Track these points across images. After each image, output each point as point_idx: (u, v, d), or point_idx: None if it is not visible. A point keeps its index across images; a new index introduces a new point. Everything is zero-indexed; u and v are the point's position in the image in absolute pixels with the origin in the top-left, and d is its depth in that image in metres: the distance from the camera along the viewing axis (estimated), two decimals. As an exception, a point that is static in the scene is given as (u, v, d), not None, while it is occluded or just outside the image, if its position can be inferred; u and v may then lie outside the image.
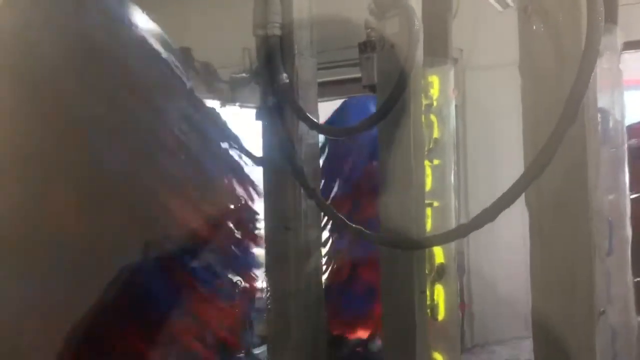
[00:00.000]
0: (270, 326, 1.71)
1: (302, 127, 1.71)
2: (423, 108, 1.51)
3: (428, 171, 1.54)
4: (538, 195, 1.25)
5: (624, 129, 1.31)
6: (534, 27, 1.28)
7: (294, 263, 1.69)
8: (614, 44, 1.31)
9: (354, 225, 1.50)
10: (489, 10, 2.27)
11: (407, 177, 1.49)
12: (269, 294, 1.73)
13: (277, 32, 1.70)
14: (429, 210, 1.53)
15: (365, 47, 2.97)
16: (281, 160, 1.69)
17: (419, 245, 1.45)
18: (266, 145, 1.76)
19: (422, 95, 1.50)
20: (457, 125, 1.84)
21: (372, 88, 3.21)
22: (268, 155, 1.75)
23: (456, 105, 1.93)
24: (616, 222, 1.24)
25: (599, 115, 1.24)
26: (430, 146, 1.55)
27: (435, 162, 1.55)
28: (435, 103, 1.57)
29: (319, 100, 1.89)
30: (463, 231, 1.51)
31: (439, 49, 1.59)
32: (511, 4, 2.38)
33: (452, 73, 1.60)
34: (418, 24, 1.43)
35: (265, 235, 1.75)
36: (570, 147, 1.19)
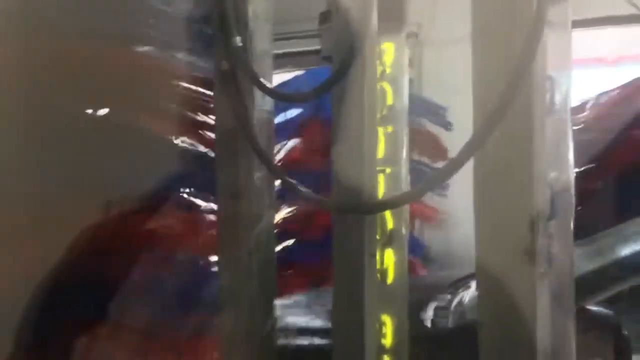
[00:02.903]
0: (222, 293, 1.71)
1: (257, 93, 1.70)
2: (377, 75, 1.52)
3: (381, 138, 1.56)
4: (484, 160, 1.28)
5: (569, 101, 1.35)
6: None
7: (245, 231, 1.69)
8: (564, 18, 1.33)
9: (305, 190, 1.51)
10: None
11: (359, 143, 1.51)
12: (220, 263, 1.73)
13: (232, -5, 1.67)
14: (381, 177, 1.55)
15: (326, 17, 2.96)
16: (234, 126, 1.68)
17: (371, 210, 1.47)
18: (219, 110, 1.74)
19: (377, 62, 1.52)
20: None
21: (330, 60, 3.21)
22: (221, 121, 1.74)
23: (411, 79, 1.95)
24: (559, 189, 1.28)
25: (547, 84, 1.27)
26: (384, 113, 1.57)
27: (389, 129, 1.57)
28: (389, 70, 1.58)
29: (277, 71, 1.88)
30: (412, 195, 1.55)
31: (394, 17, 1.59)
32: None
33: (405, 41, 1.60)
34: (373, -11, 1.43)
35: (218, 204, 1.75)
36: (517, 113, 1.23)
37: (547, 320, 1.18)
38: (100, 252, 1.85)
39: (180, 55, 2.14)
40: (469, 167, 1.26)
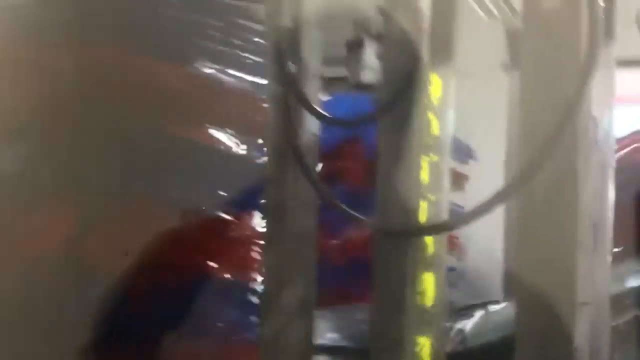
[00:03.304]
0: (262, 316, 1.77)
1: (306, 116, 1.78)
2: (425, 104, 1.59)
3: (425, 166, 1.63)
4: (529, 194, 1.34)
5: (613, 138, 1.41)
6: (533, 34, 1.37)
7: (289, 249, 1.75)
8: (609, 58, 1.41)
9: (351, 212, 1.58)
10: (473, 18, 2.37)
11: (406, 170, 1.58)
12: (263, 278, 1.79)
13: (288, 23, 1.77)
14: (424, 203, 1.61)
15: (353, 45, 3.05)
16: (284, 145, 1.76)
17: (416, 233, 1.54)
18: (271, 132, 1.82)
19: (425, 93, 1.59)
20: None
21: (357, 86, 3.28)
22: (271, 142, 1.82)
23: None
24: (600, 224, 1.34)
25: (591, 123, 1.34)
26: (429, 142, 1.63)
27: (433, 158, 1.63)
28: (435, 102, 1.65)
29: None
30: (456, 223, 1.62)
31: (441, 50, 1.67)
32: (497, 14, 2.49)
33: (453, 73, 1.68)
34: (427, 23, 1.51)
35: (266, 221, 1.82)
36: (563, 151, 1.29)
37: (585, 342, 1.24)
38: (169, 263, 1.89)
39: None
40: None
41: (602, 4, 1.28)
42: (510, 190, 1.30)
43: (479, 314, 2.10)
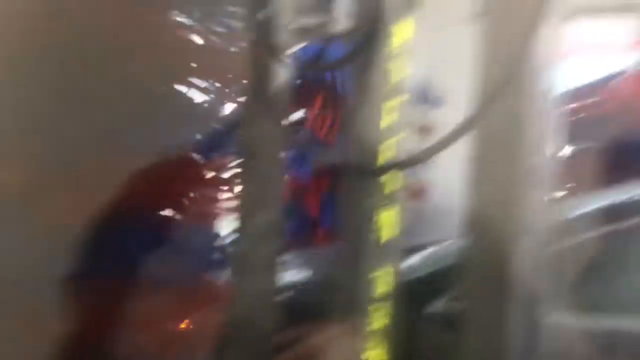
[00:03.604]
0: (235, 242, 1.89)
1: (277, 63, 1.86)
2: (388, 52, 1.69)
3: (388, 110, 1.73)
4: (479, 136, 1.46)
5: (556, 90, 1.52)
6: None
7: (259, 191, 1.87)
8: (557, 7, 1.50)
9: (315, 153, 1.70)
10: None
11: (369, 113, 1.69)
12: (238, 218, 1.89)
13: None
14: (385, 145, 1.72)
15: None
16: (256, 92, 1.85)
17: (378, 172, 1.66)
18: (243, 78, 1.91)
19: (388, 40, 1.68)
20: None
21: (328, 37, 3.31)
22: (244, 87, 1.91)
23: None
24: (540, 164, 1.47)
25: (537, 72, 1.45)
26: (391, 87, 1.74)
27: (395, 101, 1.74)
28: (399, 49, 1.75)
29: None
30: (413, 161, 1.74)
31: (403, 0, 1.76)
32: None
33: (415, 22, 1.77)
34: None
35: (239, 162, 1.93)
36: (511, 97, 1.41)
37: (523, 268, 1.38)
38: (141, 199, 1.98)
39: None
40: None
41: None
42: (461, 131, 1.41)
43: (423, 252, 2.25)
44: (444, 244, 2.30)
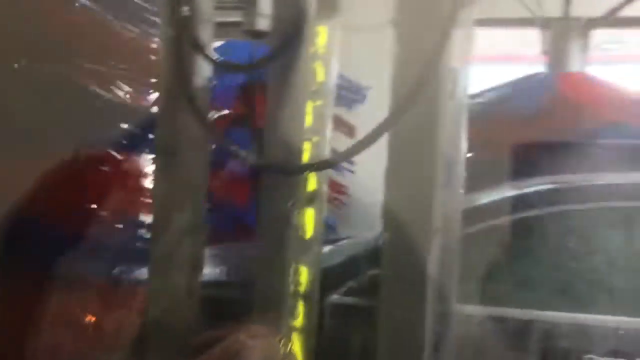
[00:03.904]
0: (153, 240, 1.87)
1: (198, 59, 1.85)
2: (311, 53, 1.72)
3: (310, 110, 1.77)
4: (396, 135, 1.53)
5: (467, 91, 1.62)
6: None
7: (180, 187, 1.85)
8: (468, 18, 1.60)
9: (238, 151, 1.70)
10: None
11: (291, 113, 1.71)
12: (153, 216, 1.87)
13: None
14: (307, 144, 1.76)
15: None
16: (176, 89, 1.83)
17: (298, 171, 1.69)
18: (163, 73, 1.88)
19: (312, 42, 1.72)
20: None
21: (251, 33, 3.34)
22: (163, 83, 1.88)
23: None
24: (453, 162, 1.56)
25: (450, 76, 1.53)
26: (314, 88, 1.77)
27: (317, 102, 1.78)
28: (321, 51, 1.79)
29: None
30: (333, 161, 1.79)
31: (327, 2, 1.80)
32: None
33: (338, 25, 1.82)
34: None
35: (155, 159, 1.90)
36: (426, 99, 1.48)
37: (436, 262, 1.46)
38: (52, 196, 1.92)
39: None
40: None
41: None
42: (379, 133, 1.47)
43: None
44: (343, 241, 2.37)
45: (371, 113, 3.25)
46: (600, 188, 2.10)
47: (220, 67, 1.92)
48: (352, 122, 3.27)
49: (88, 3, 2.19)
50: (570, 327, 1.95)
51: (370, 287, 1.91)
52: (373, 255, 1.93)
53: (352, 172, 3.06)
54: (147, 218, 2.11)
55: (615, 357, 1.88)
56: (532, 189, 2.16)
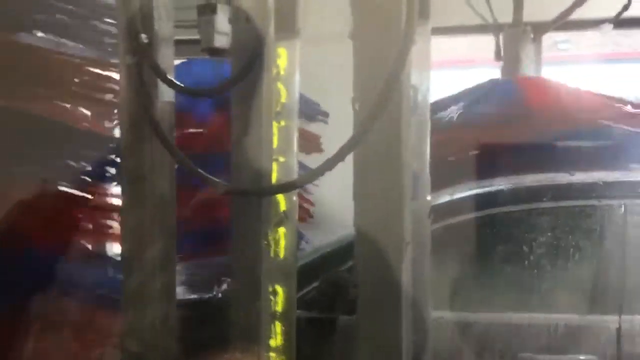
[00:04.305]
0: (125, 272, 1.84)
1: (160, 84, 1.85)
2: (273, 75, 1.74)
3: (275, 131, 1.78)
4: (362, 150, 1.55)
5: (428, 102, 1.66)
6: (362, 10, 1.56)
7: (149, 211, 1.83)
8: (425, 33, 1.64)
9: (207, 176, 1.70)
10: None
11: (257, 135, 1.72)
12: (123, 245, 1.85)
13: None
14: (275, 165, 1.77)
15: (205, 9, 3.10)
16: (139, 115, 1.82)
17: (267, 193, 1.69)
18: (124, 100, 1.86)
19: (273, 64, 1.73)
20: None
21: (210, 51, 3.34)
22: (126, 110, 1.86)
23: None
24: (419, 174, 1.59)
25: (411, 91, 1.57)
26: (278, 109, 1.79)
27: (282, 123, 1.79)
28: (282, 72, 1.80)
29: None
30: (302, 181, 1.80)
31: (289, 24, 1.82)
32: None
33: (298, 45, 1.84)
34: (271, 1, 1.65)
35: (122, 188, 1.88)
36: (389, 115, 1.51)
37: (409, 274, 1.49)
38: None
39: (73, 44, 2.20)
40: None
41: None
42: (346, 151, 1.49)
43: None
44: None
45: (333, 128, 3.29)
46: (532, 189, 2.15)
47: (183, 92, 1.91)
48: (315, 137, 3.30)
49: (42, 34, 2.16)
50: (505, 327, 1.99)
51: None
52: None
53: (316, 185, 3.08)
54: (117, 249, 2.08)
55: (549, 353, 1.94)
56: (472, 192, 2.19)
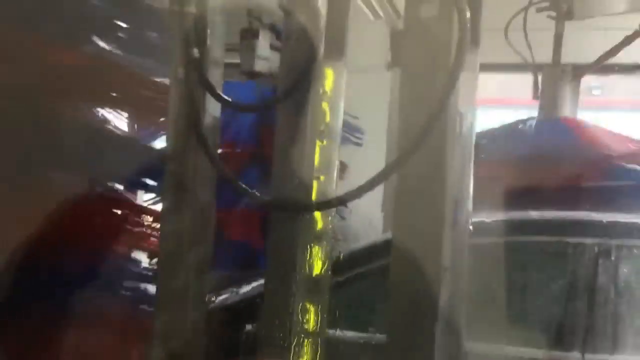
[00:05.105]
0: (161, 275, 1.86)
1: (208, 99, 1.90)
2: (319, 94, 1.77)
3: (317, 150, 1.81)
4: (405, 175, 1.57)
5: (473, 132, 1.67)
6: (412, 37, 1.59)
7: (189, 221, 1.87)
8: (474, 61, 1.66)
9: (247, 189, 1.73)
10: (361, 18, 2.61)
11: (300, 152, 1.75)
12: (161, 252, 1.88)
13: (192, 9, 1.87)
14: (315, 183, 1.79)
15: (247, 33, 3.18)
16: (185, 127, 1.86)
17: (307, 209, 1.71)
18: (172, 112, 1.91)
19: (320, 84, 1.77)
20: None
21: (249, 74, 3.41)
22: (173, 122, 1.91)
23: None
24: (461, 199, 1.59)
25: (457, 118, 1.58)
26: (321, 128, 1.82)
27: (324, 142, 1.82)
28: (328, 92, 1.84)
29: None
30: (342, 200, 1.82)
31: (337, 45, 1.86)
32: (382, 15, 2.74)
33: (345, 68, 1.87)
34: (323, 21, 1.70)
35: (164, 194, 1.92)
36: (434, 140, 1.53)
37: (446, 300, 1.48)
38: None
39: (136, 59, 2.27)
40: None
41: (469, 15, 1.52)
42: (387, 173, 1.51)
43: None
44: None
45: (369, 152, 3.31)
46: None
47: (230, 107, 1.95)
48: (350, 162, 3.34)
49: (98, 42, 2.24)
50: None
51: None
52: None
53: (344, 219, 3.08)
54: (151, 255, 2.11)
55: None
56: None
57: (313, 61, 1.71)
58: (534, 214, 2.18)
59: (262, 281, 2.05)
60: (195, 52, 1.86)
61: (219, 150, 2.95)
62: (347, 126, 3.45)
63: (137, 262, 2.12)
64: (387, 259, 1.55)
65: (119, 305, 1.98)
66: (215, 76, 1.94)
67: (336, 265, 1.85)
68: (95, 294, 1.93)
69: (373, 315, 2.03)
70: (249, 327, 2.06)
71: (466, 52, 1.48)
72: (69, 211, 1.98)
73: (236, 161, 2.92)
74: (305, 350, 1.75)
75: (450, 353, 1.51)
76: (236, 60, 2.96)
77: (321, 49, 1.74)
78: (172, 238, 1.84)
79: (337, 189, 1.81)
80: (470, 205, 1.61)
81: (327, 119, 1.84)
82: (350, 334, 2.06)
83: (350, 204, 2.67)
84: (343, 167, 3.49)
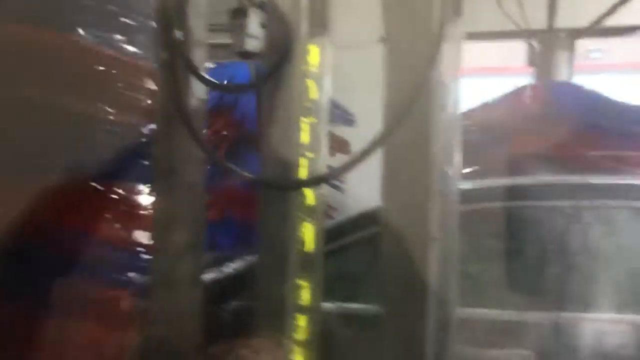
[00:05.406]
0: (154, 257, 1.88)
1: (193, 81, 1.89)
2: (303, 72, 1.76)
3: (304, 127, 1.80)
4: (391, 148, 1.56)
5: (459, 105, 1.66)
6: (394, 11, 1.58)
7: (179, 201, 1.87)
8: (456, 33, 1.64)
9: (235, 168, 1.73)
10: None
11: (287, 130, 1.74)
12: (153, 235, 1.89)
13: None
14: (304, 161, 1.79)
15: (237, 13, 3.14)
16: (172, 110, 1.86)
17: (294, 186, 1.71)
18: (158, 96, 1.91)
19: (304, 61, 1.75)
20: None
21: (241, 54, 3.39)
22: (160, 105, 1.91)
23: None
24: (448, 171, 1.59)
25: (441, 88, 1.57)
26: (308, 106, 1.81)
27: (311, 119, 1.81)
28: (313, 69, 1.82)
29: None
30: (330, 176, 1.82)
31: (320, 22, 1.84)
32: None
33: (329, 44, 1.86)
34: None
35: (154, 178, 1.92)
36: (419, 112, 1.52)
37: (435, 270, 1.49)
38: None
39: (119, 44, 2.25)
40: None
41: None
42: (374, 147, 1.50)
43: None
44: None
45: (361, 130, 3.30)
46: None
47: (214, 88, 1.94)
48: (343, 139, 3.32)
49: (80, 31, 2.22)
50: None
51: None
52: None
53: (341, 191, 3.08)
54: (141, 239, 2.12)
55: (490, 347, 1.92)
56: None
57: (294, 38, 1.70)
58: (503, 181, 2.17)
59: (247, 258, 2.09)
60: (178, 34, 1.84)
61: (224, 133, 2.98)
62: (336, 105, 3.44)
63: (130, 244, 2.13)
64: (369, 229, 1.56)
65: (109, 288, 2.00)
66: (199, 57, 1.93)
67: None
68: (84, 277, 1.95)
69: (357, 285, 2.05)
70: (234, 303, 2.08)
71: (447, 23, 1.46)
72: (54, 195, 1.99)
73: (245, 141, 2.91)
74: (301, 326, 1.77)
75: (442, 323, 1.53)
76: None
77: (303, 25, 1.73)
78: (162, 219, 1.85)
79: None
80: (457, 176, 1.61)
81: (313, 95, 1.82)
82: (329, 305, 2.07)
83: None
84: (343, 144, 3.48)
